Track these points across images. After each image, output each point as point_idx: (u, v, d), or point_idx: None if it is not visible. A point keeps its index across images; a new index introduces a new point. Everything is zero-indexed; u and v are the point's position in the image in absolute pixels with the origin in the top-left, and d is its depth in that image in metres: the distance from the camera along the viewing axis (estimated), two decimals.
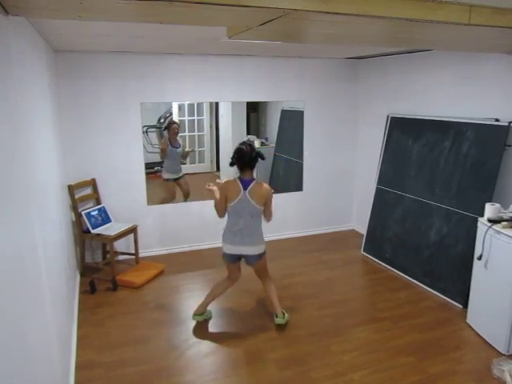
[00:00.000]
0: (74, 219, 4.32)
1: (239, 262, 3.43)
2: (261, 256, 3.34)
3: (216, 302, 3.80)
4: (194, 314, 3.50)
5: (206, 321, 3.53)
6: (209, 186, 3.38)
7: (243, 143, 3.22)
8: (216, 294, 3.51)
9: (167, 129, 4.97)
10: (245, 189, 3.19)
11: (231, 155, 3.22)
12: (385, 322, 3.50)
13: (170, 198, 5.11)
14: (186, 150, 5.24)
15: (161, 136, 5.02)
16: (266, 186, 3.26)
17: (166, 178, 5.09)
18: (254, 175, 3.27)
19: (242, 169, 3.22)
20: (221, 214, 3.31)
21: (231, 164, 3.23)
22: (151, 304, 3.81)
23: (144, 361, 3.00)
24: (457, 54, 4.00)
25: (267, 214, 3.30)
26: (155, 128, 5.01)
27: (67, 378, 2.64)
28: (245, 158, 3.16)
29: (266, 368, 2.92)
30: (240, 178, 3.23)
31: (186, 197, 5.18)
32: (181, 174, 5.19)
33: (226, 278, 3.51)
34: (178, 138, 5.05)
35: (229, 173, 5.68)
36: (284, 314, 3.47)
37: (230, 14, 1.76)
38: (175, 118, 5.07)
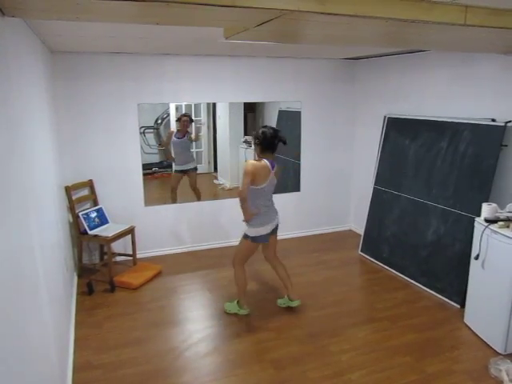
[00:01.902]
0: (71, 220, 4.31)
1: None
2: None
3: (215, 302, 3.80)
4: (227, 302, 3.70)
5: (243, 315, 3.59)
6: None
7: (265, 126, 3.41)
8: (240, 285, 3.58)
9: (178, 121, 5.07)
10: (272, 169, 3.40)
11: (256, 136, 3.37)
12: (382, 321, 3.50)
13: (171, 190, 5.16)
14: (192, 136, 5.25)
15: (158, 136, 5.04)
16: (278, 167, 3.48)
17: (174, 168, 5.18)
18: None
19: (264, 150, 3.39)
20: (245, 195, 3.29)
21: (256, 144, 3.39)
22: (149, 305, 3.80)
23: (142, 362, 3.00)
24: (453, 55, 4.02)
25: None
26: (152, 129, 5.02)
27: (65, 379, 2.63)
28: (270, 140, 3.35)
29: (264, 368, 2.92)
30: (267, 160, 3.40)
31: (194, 190, 5.21)
32: (191, 167, 5.23)
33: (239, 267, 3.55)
34: (188, 129, 5.12)
35: (226, 174, 5.69)
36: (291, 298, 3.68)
37: (226, 15, 1.76)
38: (172, 118, 5.08)
